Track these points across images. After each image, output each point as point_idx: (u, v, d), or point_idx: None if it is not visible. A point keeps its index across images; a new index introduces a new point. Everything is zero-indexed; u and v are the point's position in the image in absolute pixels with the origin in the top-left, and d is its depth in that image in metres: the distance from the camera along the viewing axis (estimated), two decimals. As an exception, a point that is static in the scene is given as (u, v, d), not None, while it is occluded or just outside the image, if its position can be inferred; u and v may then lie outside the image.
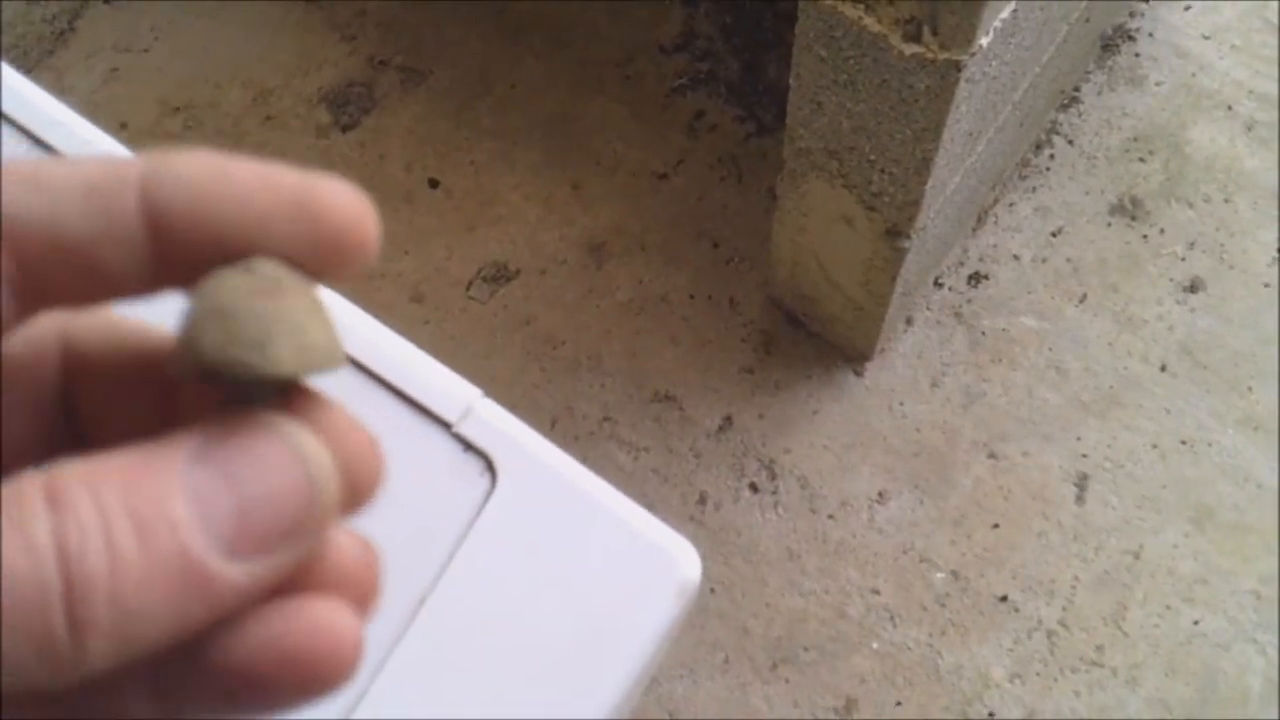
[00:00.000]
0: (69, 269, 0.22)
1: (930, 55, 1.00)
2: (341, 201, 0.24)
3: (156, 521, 0.20)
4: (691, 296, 1.51)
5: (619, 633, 0.55)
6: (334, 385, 0.59)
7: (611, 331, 1.50)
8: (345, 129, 1.63)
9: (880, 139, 1.14)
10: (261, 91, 1.68)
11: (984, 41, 0.99)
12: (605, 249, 1.54)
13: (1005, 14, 1.00)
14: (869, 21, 1.02)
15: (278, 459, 0.21)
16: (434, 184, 1.58)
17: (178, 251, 0.23)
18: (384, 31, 1.71)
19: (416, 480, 0.57)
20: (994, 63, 1.07)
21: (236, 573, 0.20)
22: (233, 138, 1.62)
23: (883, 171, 1.18)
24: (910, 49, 1.01)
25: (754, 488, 1.41)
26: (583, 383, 1.46)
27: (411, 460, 0.57)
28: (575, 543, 0.56)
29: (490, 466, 0.56)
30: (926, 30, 1.00)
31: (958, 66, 0.99)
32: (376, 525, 0.57)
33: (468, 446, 0.57)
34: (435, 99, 1.65)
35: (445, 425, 0.57)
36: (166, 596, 0.19)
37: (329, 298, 0.60)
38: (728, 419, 1.45)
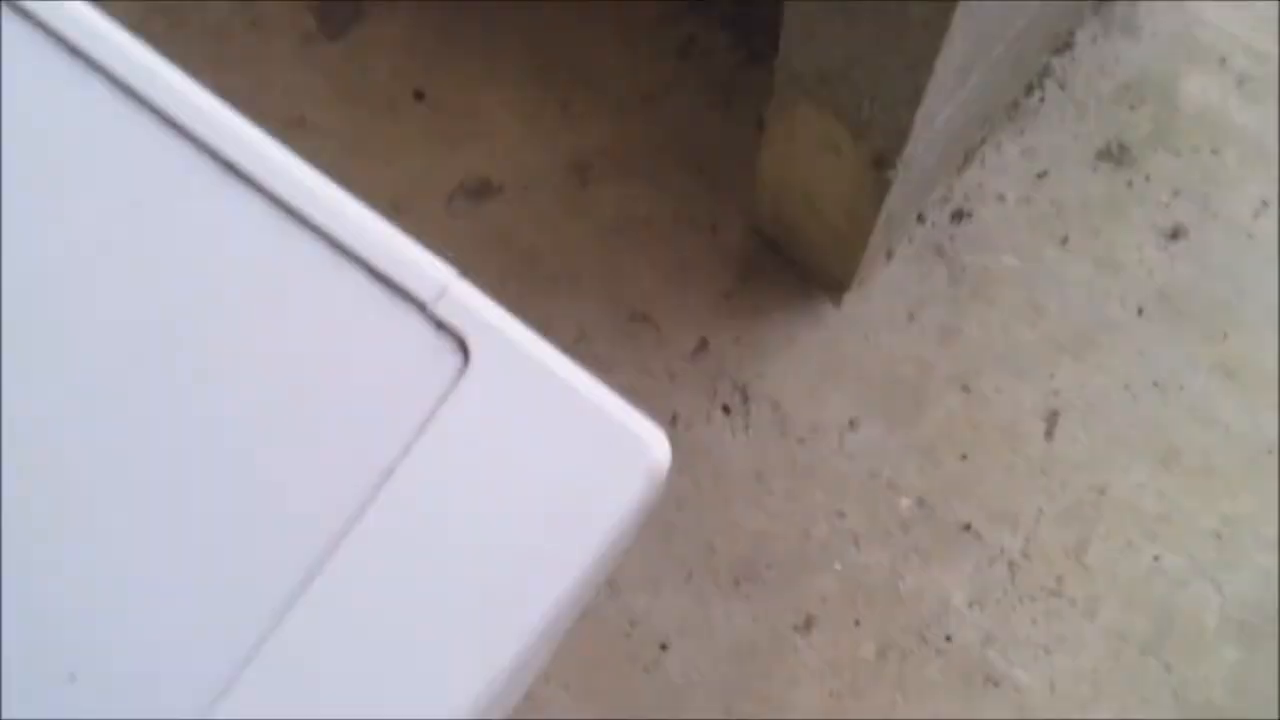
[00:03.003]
0: None
1: (928, -18, 0.99)
2: None
3: None
4: (674, 220, 1.51)
5: (587, 512, 0.55)
6: (309, 259, 0.59)
7: (592, 251, 1.50)
8: (332, 37, 1.62)
9: (873, 67, 1.13)
10: (248, -2, 1.66)
11: (983, -30, 0.98)
12: (590, 169, 1.54)
13: (1006, -56, 0.99)
14: (867, -54, 1.01)
15: None
16: (419, 96, 1.58)
17: None
18: (378, -56, 1.69)
19: (388, 358, 0.57)
20: (991, -7, 1.06)
21: None
22: (216, 40, 1.60)
23: (873, 99, 1.17)
24: (908, -25, 1.00)
25: (726, 410, 1.41)
26: (560, 300, 1.46)
27: (384, 338, 0.57)
28: (547, 424, 0.56)
29: (463, 347, 0.56)
30: (925, -44, 0.99)
31: (954, -6, 0.98)
32: (347, 400, 0.57)
33: (441, 326, 0.57)
34: (423, 10, 1.63)
35: (420, 305, 0.57)
36: None
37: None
38: (703, 342, 1.45)
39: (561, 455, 0.56)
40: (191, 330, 0.58)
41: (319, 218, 0.59)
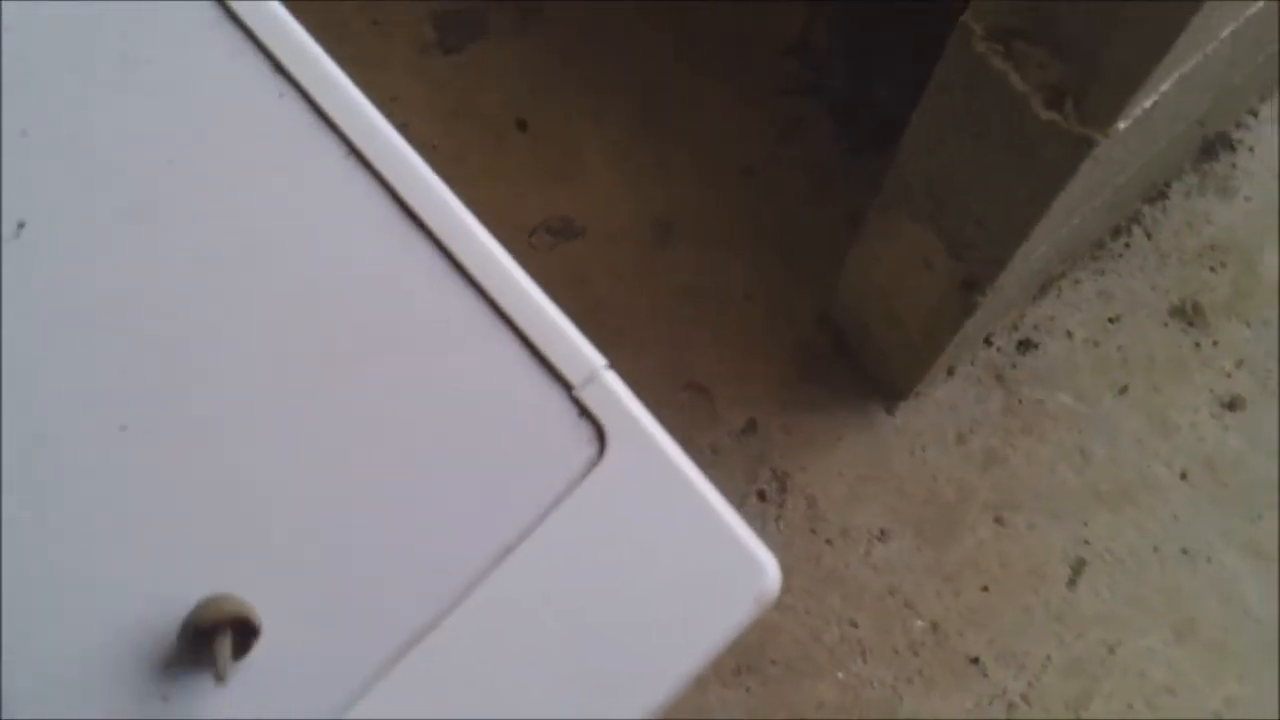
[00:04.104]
0: None
1: (1066, 127, 0.99)
2: None
3: None
4: (747, 296, 1.52)
5: (695, 629, 0.56)
6: (469, 321, 0.59)
7: (660, 312, 1.51)
8: (448, 51, 1.64)
9: (988, 194, 1.13)
10: (375, -4, 1.68)
11: (1122, 125, 0.97)
12: (674, 229, 1.55)
13: (1147, 104, 0.98)
14: (1015, 79, 1.01)
15: None
16: (522, 125, 1.59)
17: None
18: (509, -36, 1.71)
19: (527, 432, 0.58)
20: (1118, 148, 1.06)
21: None
22: (337, 35, 1.62)
23: (979, 225, 1.17)
24: (1047, 115, 0.99)
25: (762, 496, 1.43)
26: (621, 355, 1.46)
27: (526, 411, 0.58)
28: (672, 530, 0.57)
29: (601, 436, 0.57)
30: (1069, 101, 0.98)
31: (1090, 144, 0.97)
32: (482, 466, 0.58)
33: (584, 412, 0.58)
34: (543, 41, 1.65)
35: (567, 386, 0.59)
36: None
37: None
38: (752, 423, 1.46)
39: (681, 565, 0.56)
40: (347, 363, 0.60)
41: (487, 280, 0.61)
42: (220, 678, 0.51)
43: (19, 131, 0.63)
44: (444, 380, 0.59)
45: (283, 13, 0.66)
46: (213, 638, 0.52)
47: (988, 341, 1.52)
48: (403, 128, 0.64)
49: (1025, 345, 1.53)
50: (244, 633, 0.53)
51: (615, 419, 0.58)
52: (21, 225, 0.61)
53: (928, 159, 1.17)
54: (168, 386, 0.59)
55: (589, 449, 0.57)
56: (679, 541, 0.57)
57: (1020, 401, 1.50)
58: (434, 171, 0.64)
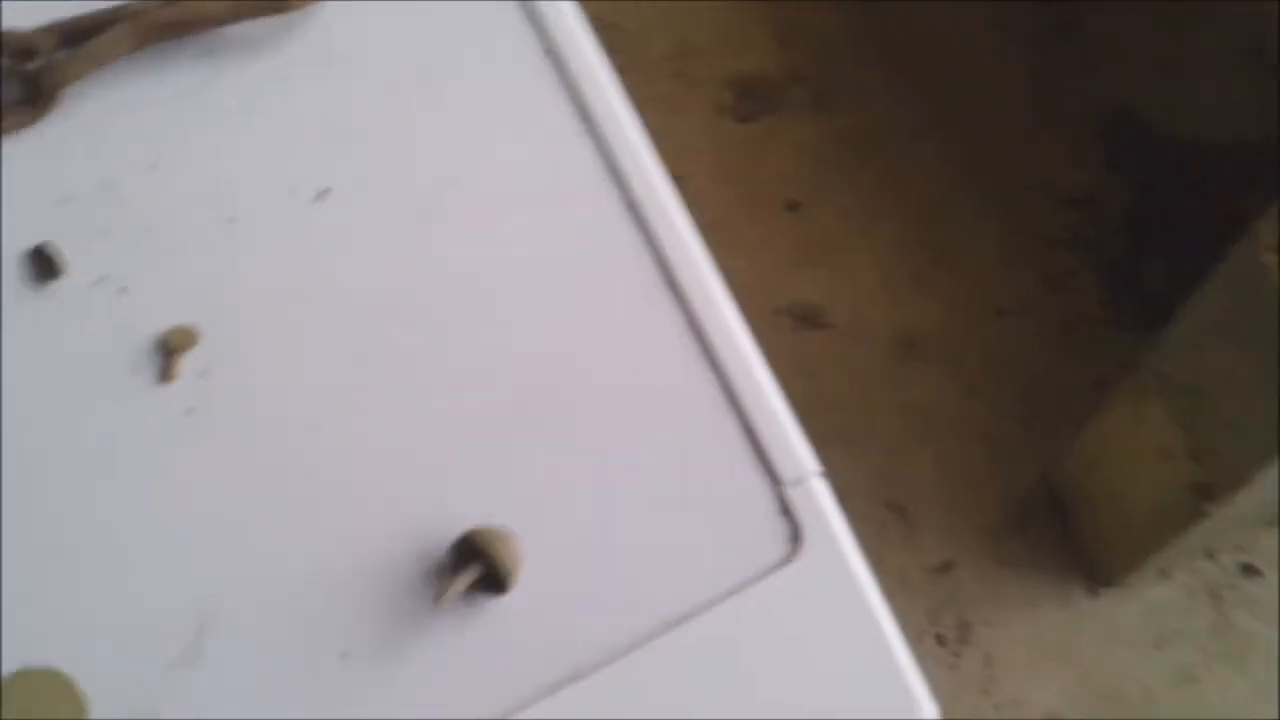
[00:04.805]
0: None
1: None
2: None
3: None
4: (974, 435, 1.47)
5: None
6: (701, 392, 0.60)
7: (884, 424, 1.47)
8: (741, 119, 1.64)
9: (1245, 405, 1.09)
10: (682, 49, 1.70)
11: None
12: (917, 347, 1.51)
13: None
14: (1294, 295, 0.98)
15: None
16: (793, 206, 1.58)
17: None
18: (815, 50, 1.71)
19: (728, 513, 0.58)
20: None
21: None
22: (640, 77, 1.64)
23: (1229, 434, 1.13)
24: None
25: (940, 640, 1.36)
26: (833, 456, 1.42)
27: (732, 494, 0.58)
28: (841, 650, 0.55)
29: (798, 537, 0.57)
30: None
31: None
32: (674, 539, 0.57)
33: (786, 510, 0.57)
34: (833, 131, 1.64)
35: (775, 481, 0.58)
36: None
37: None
38: (948, 563, 1.40)
39: (842, 690, 0.55)
40: (573, 404, 0.60)
41: (725, 358, 0.60)
42: (438, 598, 0.52)
43: (338, 110, 0.66)
44: (661, 442, 0.59)
45: (599, 60, 0.68)
46: (468, 564, 0.53)
47: (1210, 554, 1.44)
48: (679, 178, 0.65)
49: (1249, 570, 1.44)
50: (494, 580, 0.54)
51: (815, 525, 0.57)
52: (324, 192, 0.63)
53: (1191, 354, 1.14)
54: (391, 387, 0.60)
55: (782, 547, 0.57)
56: (845, 664, 0.55)
57: (1230, 626, 1.40)
58: (698, 232, 0.65)
